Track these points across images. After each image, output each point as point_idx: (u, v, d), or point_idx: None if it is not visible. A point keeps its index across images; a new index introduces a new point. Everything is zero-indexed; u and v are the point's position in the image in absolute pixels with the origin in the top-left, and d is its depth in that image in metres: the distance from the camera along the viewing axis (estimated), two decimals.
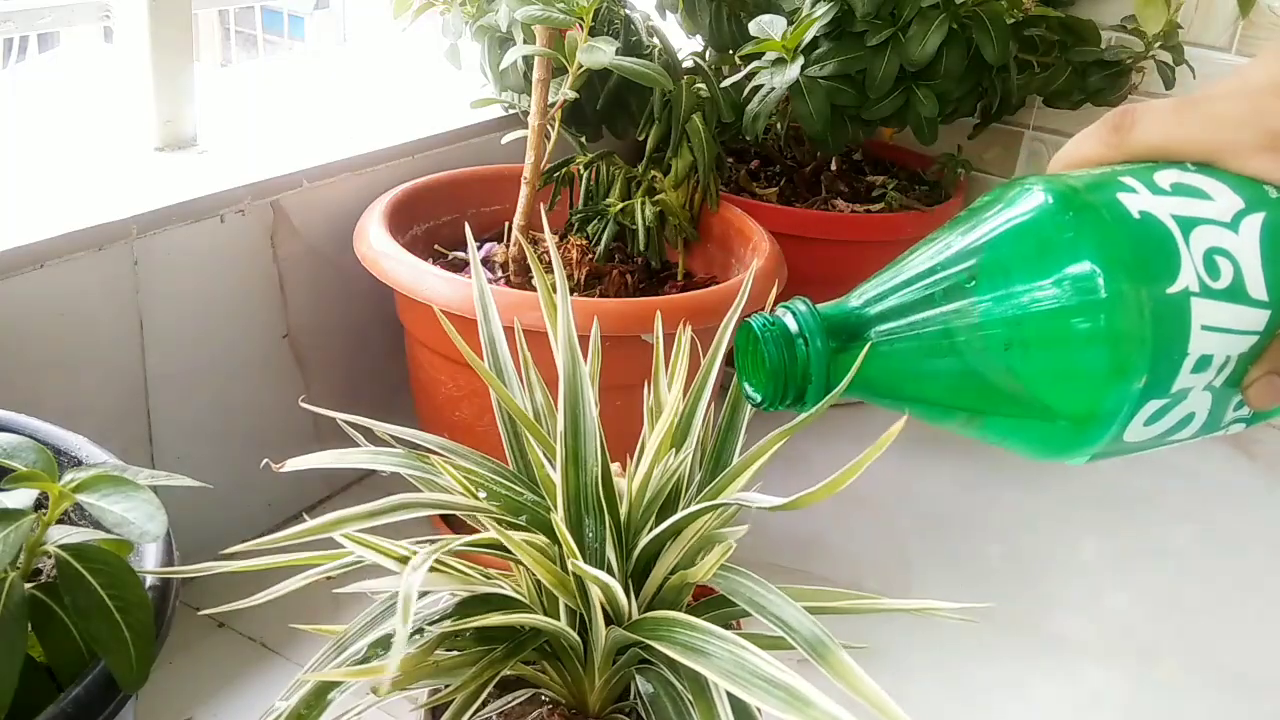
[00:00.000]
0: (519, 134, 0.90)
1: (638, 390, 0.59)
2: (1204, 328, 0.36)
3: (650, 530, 0.51)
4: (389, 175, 0.98)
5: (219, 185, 0.84)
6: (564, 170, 0.99)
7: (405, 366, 0.95)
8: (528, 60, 0.91)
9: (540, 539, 0.51)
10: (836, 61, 1.05)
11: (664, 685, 0.50)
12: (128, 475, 0.45)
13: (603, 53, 0.81)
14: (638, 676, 0.51)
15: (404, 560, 0.47)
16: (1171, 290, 0.35)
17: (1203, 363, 0.36)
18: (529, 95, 0.89)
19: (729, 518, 0.52)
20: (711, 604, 0.53)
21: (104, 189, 0.81)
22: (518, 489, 0.53)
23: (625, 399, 0.78)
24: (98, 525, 0.45)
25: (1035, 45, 1.18)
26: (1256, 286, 0.36)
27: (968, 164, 1.31)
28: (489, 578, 0.52)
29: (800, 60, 1.04)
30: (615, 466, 0.53)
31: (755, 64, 1.06)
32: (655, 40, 0.99)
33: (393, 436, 0.56)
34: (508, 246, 0.95)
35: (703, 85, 0.99)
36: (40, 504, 0.46)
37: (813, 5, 1.05)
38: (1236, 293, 0.36)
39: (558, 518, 0.49)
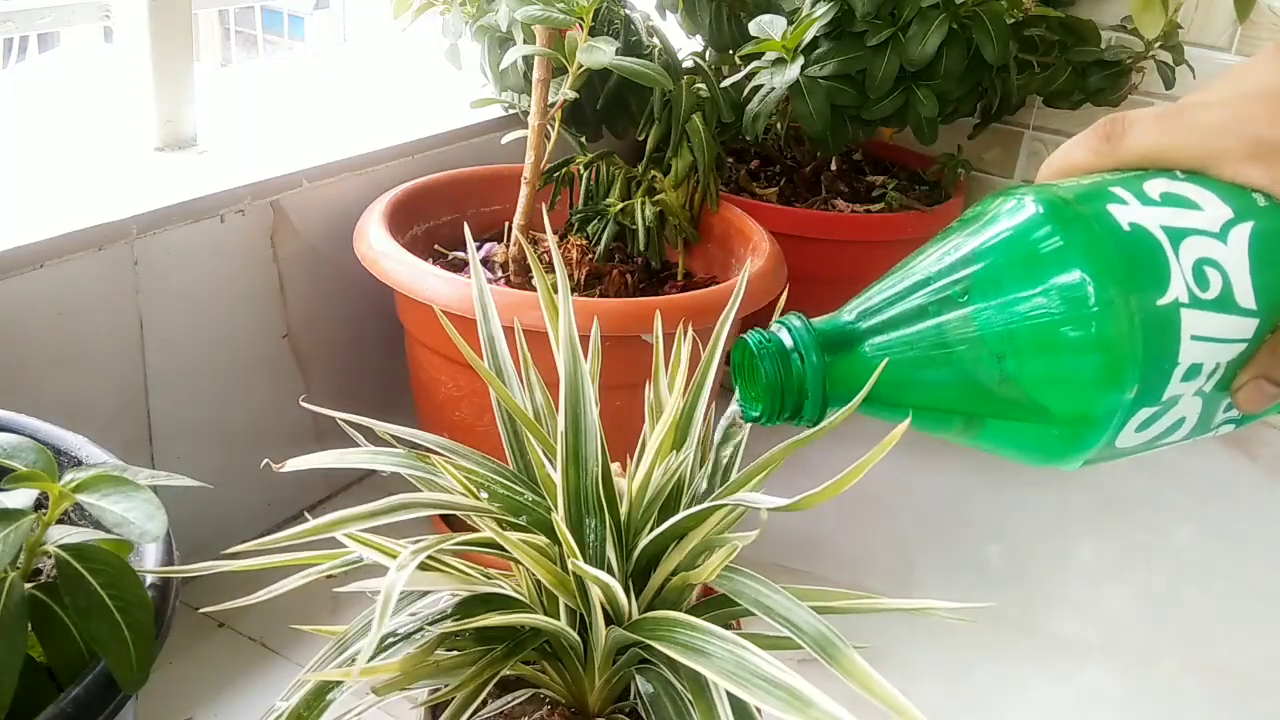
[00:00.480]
0: (519, 134, 0.90)
1: (638, 390, 0.59)
2: (1194, 338, 0.36)
3: (651, 530, 0.51)
4: (389, 175, 0.98)
5: (219, 185, 0.84)
6: (564, 170, 0.99)
7: (405, 366, 0.95)
8: (528, 60, 0.91)
9: (540, 539, 0.51)
10: (836, 61, 1.05)
11: (664, 685, 0.50)
12: (128, 475, 0.45)
13: (603, 53, 0.81)
14: (638, 676, 0.51)
15: None
16: (1162, 302, 0.36)
17: (1193, 371, 0.36)
18: (529, 95, 0.89)
19: (733, 520, 0.52)
20: (711, 604, 0.53)
21: (104, 189, 0.81)
22: (518, 489, 0.53)
23: (625, 399, 0.78)
24: (98, 525, 0.45)
25: (1035, 45, 1.18)
26: (1245, 295, 0.37)
27: (968, 164, 1.31)
28: (489, 577, 0.52)
29: (800, 60, 1.04)
30: (615, 466, 0.53)
31: (755, 64, 1.06)
32: (655, 40, 0.99)
33: (393, 436, 0.55)
34: (508, 246, 0.95)
35: (703, 85, 0.99)
36: (40, 504, 0.46)
37: (813, 5, 1.05)
38: (1225, 302, 0.36)
39: (558, 517, 0.49)
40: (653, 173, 1.00)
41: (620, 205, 0.99)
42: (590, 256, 0.97)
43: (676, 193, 1.00)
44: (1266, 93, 0.38)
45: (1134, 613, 0.99)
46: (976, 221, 0.39)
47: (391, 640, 0.48)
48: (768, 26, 1.03)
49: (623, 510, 0.51)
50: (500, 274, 0.95)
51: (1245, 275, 0.37)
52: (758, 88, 1.05)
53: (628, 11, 0.98)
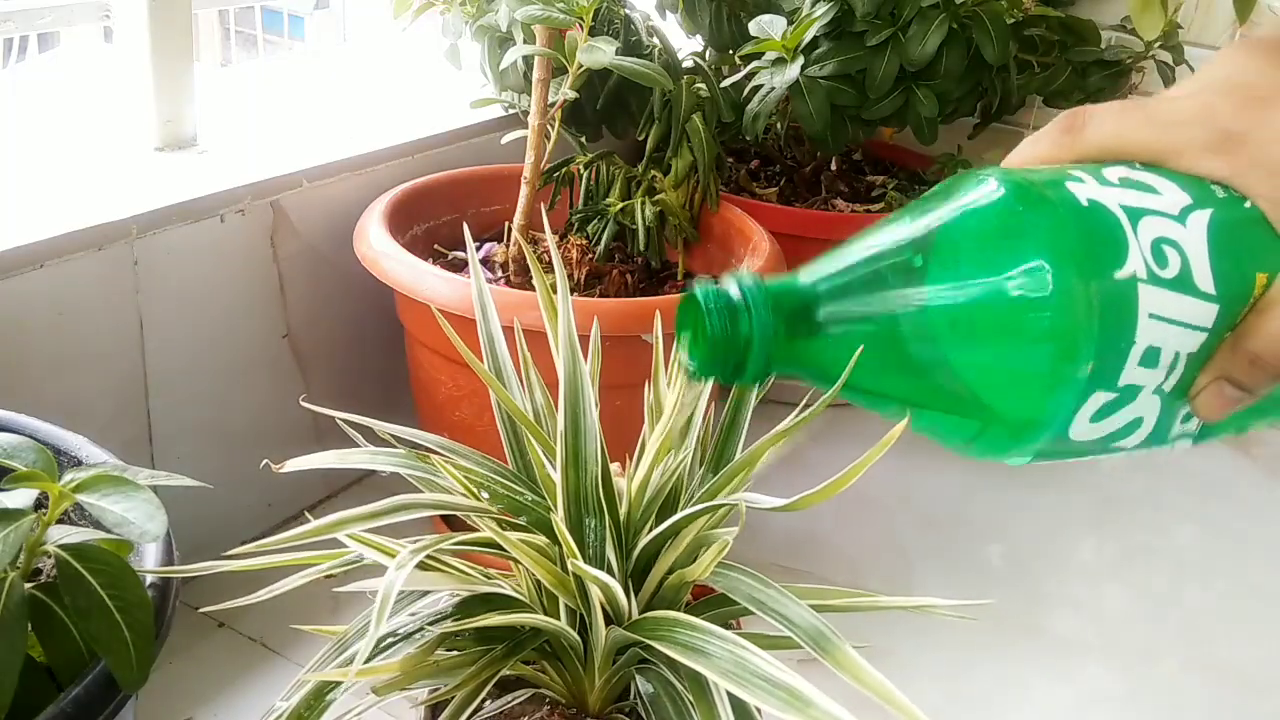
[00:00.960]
0: (519, 134, 0.90)
1: (638, 390, 0.59)
2: (1151, 316, 0.36)
3: (650, 530, 0.51)
4: (389, 175, 0.98)
5: (219, 185, 0.84)
6: (564, 170, 0.99)
7: (405, 366, 0.95)
8: (528, 60, 0.91)
9: (540, 539, 0.51)
10: (836, 61, 1.05)
11: (664, 685, 0.50)
12: (128, 475, 0.45)
13: (603, 53, 0.81)
14: (638, 676, 0.51)
15: None
16: (1119, 275, 0.35)
17: (1150, 356, 0.36)
18: (529, 95, 0.89)
19: (723, 516, 0.52)
20: (711, 603, 0.53)
21: (104, 189, 0.81)
22: (518, 489, 0.53)
23: (625, 399, 0.78)
24: (98, 525, 0.45)
25: (1035, 45, 1.18)
26: (1204, 279, 0.36)
27: (967, 164, 1.31)
28: (489, 577, 0.52)
29: (800, 60, 1.04)
30: (615, 466, 0.53)
31: (755, 64, 1.06)
32: (655, 40, 0.99)
33: (393, 436, 0.56)
34: (508, 246, 0.95)
35: (703, 85, 0.99)
36: (40, 504, 0.46)
37: (813, 5, 1.05)
38: (1184, 283, 0.36)
39: (558, 517, 0.49)
40: (653, 173, 1.00)
41: (620, 205, 0.99)
42: (590, 256, 0.97)
43: (676, 193, 1.00)
44: (1229, 85, 0.38)
45: (1134, 612, 0.99)
46: (940, 197, 0.39)
47: (391, 640, 0.48)
48: (768, 26, 1.03)
49: (622, 510, 0.51)
50: (500, 274, 0.95)
51: (1205, 259, 0.36)
52: (758, 88, 1.05)
53: (628, 11, 0.98)
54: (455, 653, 0.50)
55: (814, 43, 1.06)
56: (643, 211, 0.97)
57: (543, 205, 0.93)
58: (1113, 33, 1.22)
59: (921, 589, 0.99)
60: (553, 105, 0.88)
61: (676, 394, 0.49)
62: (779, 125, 1.26)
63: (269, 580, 0.48)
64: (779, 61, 1.05)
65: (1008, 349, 0.37)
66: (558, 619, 0.50)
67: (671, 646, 0.45)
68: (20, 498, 0.46)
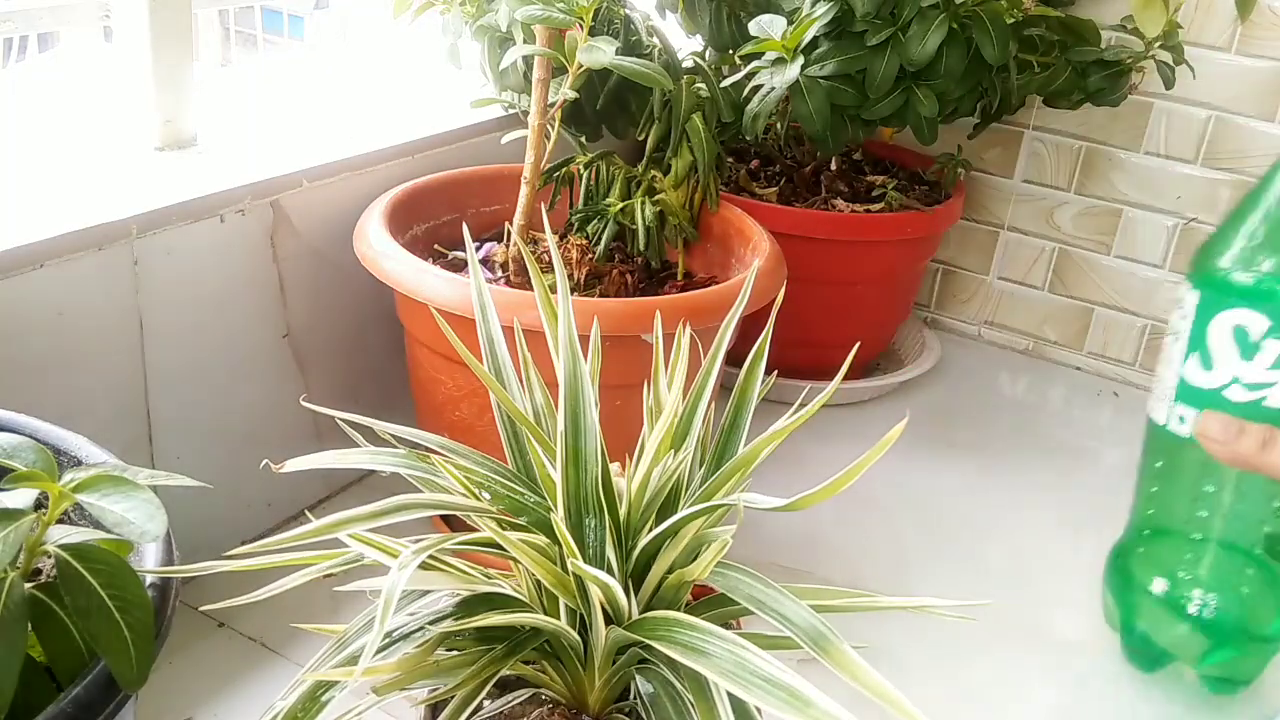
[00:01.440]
0: (519, 134, 0.90)
1: (638, 390, 0.59)
2: None
3: (650, 530, 0.51)
4: (389, 175, 0.98)
5: (219, 185, 0.84)
6: (564, 170, 0.99)
7: (405, 366, 0.95)
8: (528, 60, 0.91)
9: (540, 539, 0.51)
10: (836, 61, 1.05)
11: (664, 685, 0.50)
12: (128, 475, 0.45)
13: (603, 53, 0.81)
14: (638, 676, 0.51)
15: None
16: None
17: None
18: (529, 95, 0.89)
19: (722, 515, 0.52)
20: (711, 603, 0.53)
21: (104, 189, 0.81)
22: (518, 489, 0.54)
23: (625, 399, 0.78)
24: (98, 525, 0.45)
25: (1035, 45, 1.18)
26: None
27: (968, 164, 1.31)
28: (489, 577, 0.52)
29: (800, 60, 1.04)
30: (615, 466, 0.53)
31: (755, 64, 1.06)
32: (655, 40, 0.99)
33: (393, 436, 0.56)
34: (508, 246, 0.95)
35: (703, 85, 0.99)
36: (40, 504, 0.46)
37: (813, 5, 1.05)
38: None
39: (558, 517, 0.49)
40: (653, 173, 1.00)
41: (620, 205, 0.99)
42: (590, 256, 0.97)
43: (676, 193, 1.00)
44: None
45: None
46: None
47: (391, 640, 0.48)
48: (768, 26, 1.03)
49: (622, 510, 0.51)
50: (500, 274, 0.95)
51: None
52: (758, 88, 1.05)
53: (628, 11, 0.98)
54: (455, 652, 0.50)
55: (814, 43, 1.06)
56: (643, 211, 0.97)
57: (543, 205, 0.93)
58: (1113, 33, 1.22)
59: (921, 589, 0.99)
60: (553, 105, 0.88)
61: None
62: (779, 125, 1.27)
63: (269, 580, 0.48)
64: (779, 61, 1.05)
65: None
66: (558, 619, 0.50)
67: (671, 646, 0.45)
68: (20, 498, 0.46)
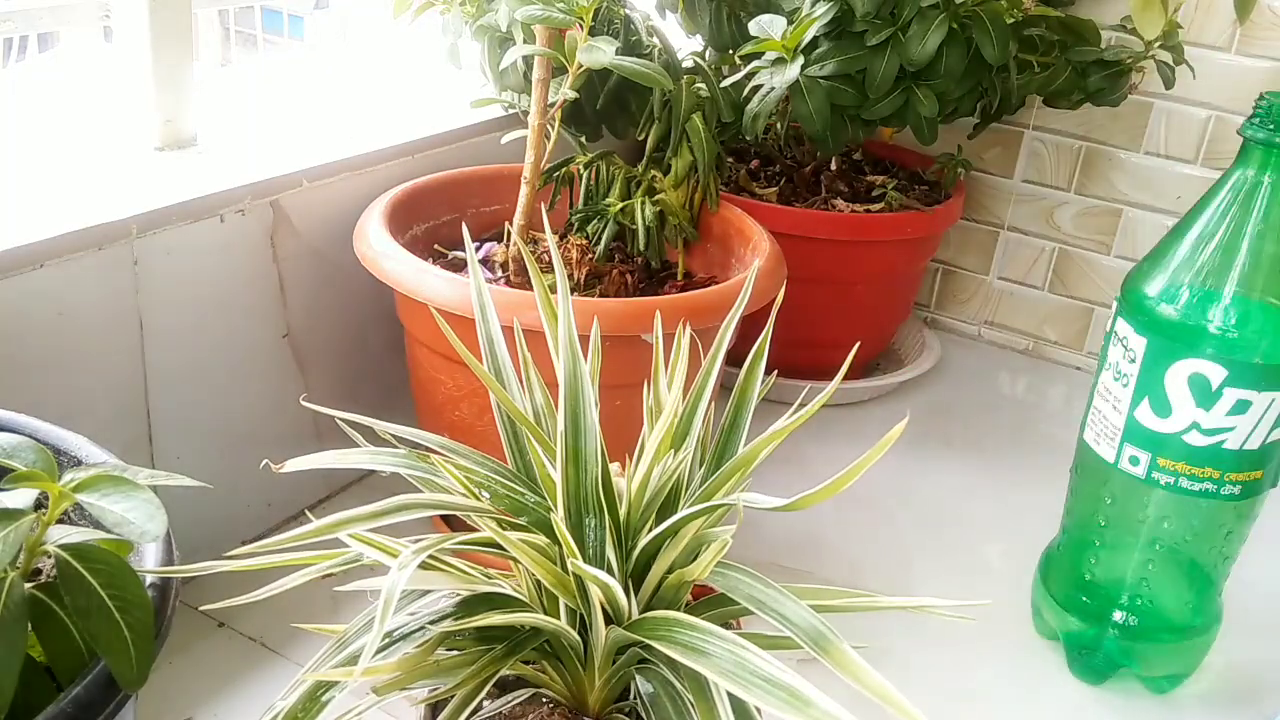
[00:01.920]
0: (519, 134, 0.90)
1: (638, 390, 0.59)
2: None
3: (650, 530, 0.51)
4: (389, 175, 0.98)
5: (219, 185, 0.84)
6: (564, 170, 0.99)
7: (405, 366, 0.95)
8: (528, 60, 0.91)
9: (540, 539, 0.51)
10: (836, 61, 1.05)
11: (664, 685, 0.50)
12: (128, 475, 0.45)
13: (603, 53, 0.81)
14: (638, 676, 0.51)
15: None
16: None
17: None
18: (529, 95, 0.89)
19: (722, 515, 0.52)
20: (711, 603, 0.53)
21: (104, 189, 0.81)
22: (518, 489, 0.54)
23: (625, 399, 0.78)
24: (98, 525, 0.45)
25: (1035, 45, 1.18)
26: None
27: (968, 164, 1.31)
28: (489, 577, 0.52)
29: (800, 60, 1.04)
30: (615, 466, 0.53)
31: (755, 64, 1.06)
32: (655, 40, 0.99)
33: (393, 436, 0.56)
34: (508, 246, 0.95)
35: (703, 85, 0.99)
36: (40, 504, 0.46)
37: (813, 5, 1.05)
38: None
39: (558, 517, 0.49)
40: (653, 173, 1.00)
41: (620, 205, 0.99)
42: (590, 256, 0.97)
43: (676, 193, 1.00)
44: None
45: None
46: None
47: (391, 640, 0.48)
48: (768, 26, 1.03)
49: (622, 510, 0.51)
50: (500, 274, 0.95)
51: None
52: (758, 88, 1.05)
53: (628, 11, 0.98)
54: (455, 652, 0.50)
55: (814, 43, 1.06)
56: (643, 211, 0.97)
57: (543, 205, 0.93)
58: (1113, 33, 1.22)
59: (921, 589, 0.99)
60: (553, 105, 0.88)
61: None
62: (779, 125, 1.27)
63: (269, 580, 0.48)
64: (779, 61, 1.05)
65: None
66: (558, 619, 0.50)
67: (671, 646, 0.45)
68: (20, 498, 0.46)
